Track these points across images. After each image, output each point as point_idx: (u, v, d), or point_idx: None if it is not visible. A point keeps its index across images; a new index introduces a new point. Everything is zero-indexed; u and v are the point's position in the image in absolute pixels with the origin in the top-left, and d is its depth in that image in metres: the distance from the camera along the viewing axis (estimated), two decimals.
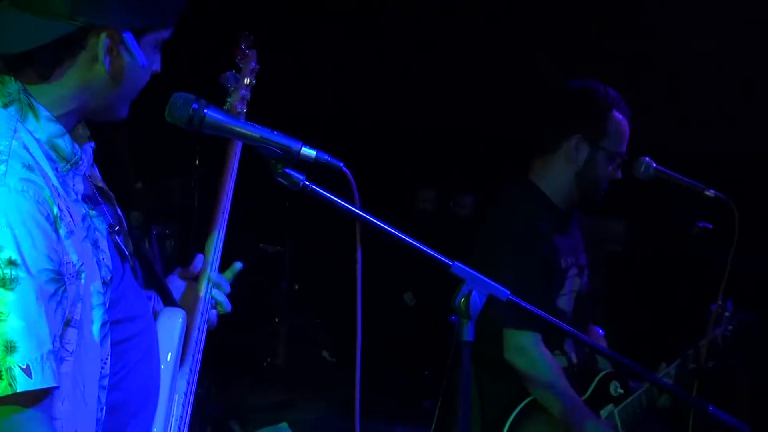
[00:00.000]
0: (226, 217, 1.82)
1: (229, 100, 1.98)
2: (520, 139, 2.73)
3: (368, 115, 5.23)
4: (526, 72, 4.69)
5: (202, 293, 1.75)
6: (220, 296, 1.79)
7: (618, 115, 2.56)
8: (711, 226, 2.59)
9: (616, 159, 2.56)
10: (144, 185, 4.18)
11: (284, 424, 4.12)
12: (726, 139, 4.02)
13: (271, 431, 4.06)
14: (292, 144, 1.45)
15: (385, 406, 4.18)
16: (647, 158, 2.53)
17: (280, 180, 1.46)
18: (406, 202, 5.24)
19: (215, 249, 1.79)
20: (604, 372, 2.62)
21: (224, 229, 1.82)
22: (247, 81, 2.01)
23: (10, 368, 1.22)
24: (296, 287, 5.10)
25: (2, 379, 1.22)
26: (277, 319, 5.02)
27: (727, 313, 2.65)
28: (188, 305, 1.75)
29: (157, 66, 1.49)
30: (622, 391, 2.59)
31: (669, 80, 4.19)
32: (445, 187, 5.25)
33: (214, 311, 1.80)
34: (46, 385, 1.26)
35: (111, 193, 1.61)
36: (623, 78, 2.71)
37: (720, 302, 2.60)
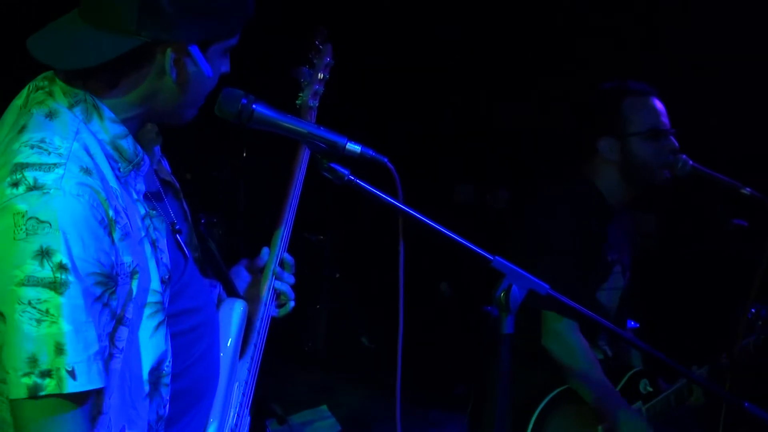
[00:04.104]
0: (294, 212, 1.83)
1: (301, 95, 1.99)
2: (555, 136, 2.73)
3: (407, 111, 5.24)
4: (563, 68, 4.69)
5: (266, 284, 1.77)
6: (284, 287, 1.81)
7: (633, 98, 2.55)
8: (746, 225, 2.57)
9: (655, 136, 2.53)
10: (193, 176, 4.27)
11: (324, 407, 4.21)
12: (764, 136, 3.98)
13: (312, 413, 4.15)
14: (338, 139, 1.48)
15: (419, 391, 4.23)
16: (684, 155, 2.52)
17: (326, 174, 1.49)
18: (444, 195, 5.26)
19: (281, 243, 1.80)
20: (635, 369, 2.63)
21: (291, 224, 1.82)
22: (320, 76, 2.01)
23: (58, 369, 1.27)
24: (337, 275, 5.18)
25: (52, 378, 1.27)
26: (318, 306, 5.12)
27: (760, 322, 2.64)
28: (252, 297, 1.77)
29: (225, 68, 1.49)
30: (651, 389, 2.60)
31: (707, 78, 4.15)
32: (481, 181, 5.28)
33: (278, 304, 1.82)
34: (90, 387, 1.30)
35: (177, 185, 1.63)
36: (663, 75, 2.70)
37: (756, 310, 2.58)
